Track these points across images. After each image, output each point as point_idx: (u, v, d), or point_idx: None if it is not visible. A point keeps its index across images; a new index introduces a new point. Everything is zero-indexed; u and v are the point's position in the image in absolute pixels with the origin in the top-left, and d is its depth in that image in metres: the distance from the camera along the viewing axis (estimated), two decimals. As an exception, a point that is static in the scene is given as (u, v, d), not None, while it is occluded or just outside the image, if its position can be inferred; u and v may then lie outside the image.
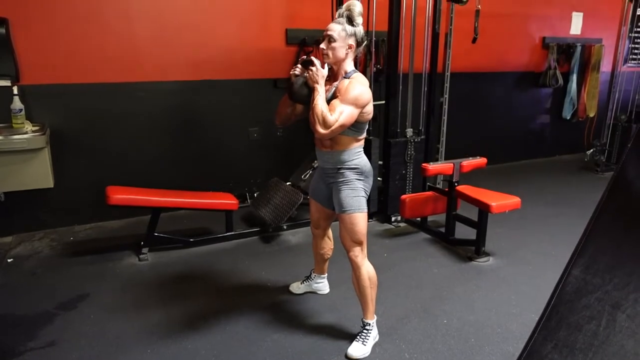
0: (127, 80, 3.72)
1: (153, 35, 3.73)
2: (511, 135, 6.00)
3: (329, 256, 2.69)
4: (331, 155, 2.21)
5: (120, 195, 3.09)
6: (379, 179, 3.93)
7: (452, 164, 3.46)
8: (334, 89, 2.12)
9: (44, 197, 3.54)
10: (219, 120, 4.15)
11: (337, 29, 2.06)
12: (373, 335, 2.30)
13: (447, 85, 4.30)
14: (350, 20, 2.08)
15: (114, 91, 3.69)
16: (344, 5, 2.10)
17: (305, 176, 4.03)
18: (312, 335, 2.41)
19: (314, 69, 2.04)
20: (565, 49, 5.93)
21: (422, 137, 3.97)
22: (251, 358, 2.23)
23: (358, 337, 2.28)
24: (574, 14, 5.98)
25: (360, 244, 2.19)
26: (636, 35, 5.85)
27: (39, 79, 3.43)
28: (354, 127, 2.12)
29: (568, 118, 6.18)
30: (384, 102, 3.94)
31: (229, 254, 3.35)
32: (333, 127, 1.99)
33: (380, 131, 4.02)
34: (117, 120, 3.76)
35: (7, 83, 3.30)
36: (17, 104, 3.22)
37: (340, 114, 2.00)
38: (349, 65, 2.14)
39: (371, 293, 2.25)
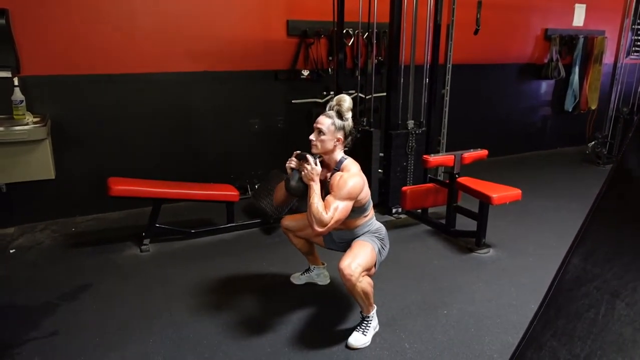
0: (128, 71, 3.71)
1: (154, 26, 3.72)
2: (513, 127, 5.99)
3: (310, 249, 2.68)
4: (343, 233, 2.33)
5: (121, 187, 3.10)
6: (379, 170, 3.94)
7: (453, 156, 3.45)
8: (327, 181, 2.20)
9: (46, 188, 3.54)
10: (220, 112, 4.15)
11: (326, 122, 2.18)
12: (373, 326, 2.32)
13: (448, 77, 4.28)
14: (340, 115, 2.19)
15: (114, 82, 3.69)
16: (335, 100, 2.22)
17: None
18: (313, 325, 2.43)
19: (308, 167, 2.14)
20: (568, 41, 5.89)
21: (423, 128, 3.96)
22: (251, 348, 2.24)
23: (358, 327, 2.30)
24: (577, 5, 5.94)
25: (360, 265, 2.09)
26: (639, 27, 5.81)
27: (39, 70, 3.42)
28: (356, 211, 2.20)
29: (570, 110, 6.16)
30: (385, 94, 3.93)
31: (230, 245, 3.37)
32: (329, 225, 2.06)
33: (382, 123, 4.01)
34: (118, 111, 3.75)
35: (7, 74, 3.29)
36: (17, 95, 3.21)
37: (335, 211, 2.07)
38: (338, 154, 2.24)
39: (368, 300, 2.23)
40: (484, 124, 5.63)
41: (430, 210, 3.83)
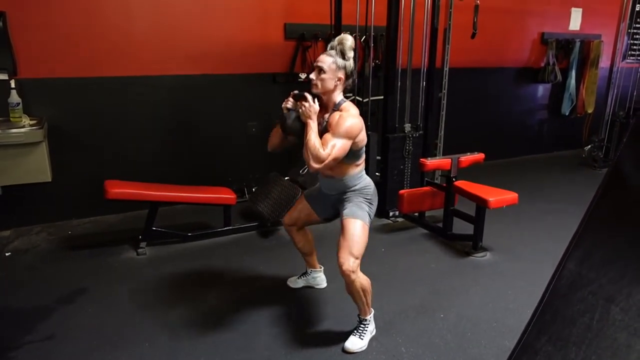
0: (125, 74, 3.71)
1: (151, 29, 3.72)
2: (509, 131, 6.00)
3: (310, 249, 2.69)
4: (333, 182, 2.27)
5: (118, 189, 3.09)
6: (377, 174, 3.94)
7: (450, 159, 3.46)
8: (325, 122, 2.16)
9: (42, 191, 3.53)
10: (218, 115, 4.15)
11: (327, 61, 2.12)
12: (370, 329, 2.32)
13: (445, 80, 4.29)
14: (342, 54, 2.13)
15: (111, 85, 3.68)
16: (337, 39, 2.16)
17: (303, 171, 4.03)
18: (310, 328, 2.42)
19: (306, 104, 2.09)
20: (564, 45, 5.92)
21: (421, 132, 3.97)
22: (248, 351, 2.24)
23: (355, 331, 2.29)
24: (573, 9, 5.97)
25: (356, 257, 2.13)
26: (635, 31, 5.85)
27: (36, 73, 3.41)
28: (350, 155, 2.16)
29: (567, 114, 6.18)
30: (382, 97, 3.93)
31: (227, 248, 3.36)
32: (326, 162, 2.03)
33: (379, 126, 4.02)
34: (115, 114, 3.75)
35: (4, 77, 3.28)
36: (14, 97, 3.21)
37: (332, 148, 2.04)
38: (338, 96, 2.18)
39: (366, 299, 2.23)
40: (481, 128, 5.64)
41: (428, 213, 3.84)
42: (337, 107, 2.16)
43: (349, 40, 2.13)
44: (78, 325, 2.41)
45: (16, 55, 3.30)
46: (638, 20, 5.71)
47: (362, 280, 2.16)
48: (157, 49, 3.77)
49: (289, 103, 2.18)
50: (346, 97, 2.25)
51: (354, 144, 2.11)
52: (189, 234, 3.41)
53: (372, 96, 4.06)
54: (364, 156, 2.27)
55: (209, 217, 3.73)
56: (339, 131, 2.05)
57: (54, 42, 3.42)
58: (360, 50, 4.32)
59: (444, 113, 4.36)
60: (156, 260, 3.15)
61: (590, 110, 6.24)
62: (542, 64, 5.87)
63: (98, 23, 3.53)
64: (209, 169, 4.19)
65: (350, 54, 2.14)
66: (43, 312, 2.52)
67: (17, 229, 3.57)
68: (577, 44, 5.92)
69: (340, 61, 2.12)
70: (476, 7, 4.05)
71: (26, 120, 3.24)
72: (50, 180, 3.33)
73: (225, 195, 3.44)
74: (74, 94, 3.58)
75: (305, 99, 2.09)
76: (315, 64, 2.15)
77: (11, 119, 3.22)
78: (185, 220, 3.76)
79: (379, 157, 3.95)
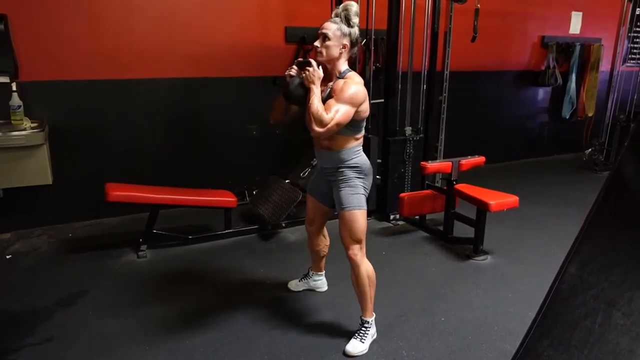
0: (125, 77, 3.71)
1: (152, 32, 3.72)
2: (510, 134, 6.01)
3: (325, 253, 2.69)
4: (330, 154, 2.22)
5: (118, 192, 3.09)
6: (377, 177, 3.94)
7: (450, 163, 3.46)
8: (329, 89, 2.13)
9: (43, 193, 3.53)
10: (218, 118, 4.15)
11: (332, 27, 2.08)
12: (371, 333, 2.31)
13: (446, 83, 4.30)
14: (347, 20, 2.09)
15: (112, 88, 3.69)
16: (341, 6, 2.11)
17: (304, 174, 4.03)
18: (310, 332, 2.42)
19: (310, 69, 2.06)
20: (565, 48, 5.93)
21: (421, 135, 3.97)
22: (249, 355, 2.23)
23: (356, 334, 2.29)
24: (573, 13, 5.98)
25: (359, 242, 2.19)
26: (635, 35, 5.85)
27: (37, 76, 3.42)
28: (351, 125, 2.12)
29: (567, 117, 6.18)
30: (382, 100, 3.94)
31: (228, 251, 3.36)
32: (329, 126, 2.00)
33: (379, 129, 4.02)
34: (116, 117, 3.75)
35: (5, 79, 3.28)
36: (15, 100, 3.21)
37: (336, 113, 2.01)
38: (342, 65, 2.15)
39: (370, 291, 2.25)
40: (481, 131, 5.64)
41: (428, 216, 3.83)
42: (342, 76, 2.13)
43: (354, 6, 2.09)
44: (78, 328, 2.41)
45: (17, 58, 3.30)
46: (638, 24, 5.71)
47: (367, 266, 2.21)
48: (158, 51, 3.77)
49: (293, 70, 2.15)
50: None
51: (356, 113, 2.08)
52: (190, 237, 3.40)
53: (372, 99, 4.06)
54: (363, 130, 2.23)
55: (209, 220, 3.72)
56: (343, 96, 2.03)
57: (55, 45, 3.43)
58: (361, 54, 4.33)
59: (444, 116, 4.37)
60: (157, 263, 3.14)
61: (590, 114, 6.24)
62: (543, 67, 5.87)
63: (99, 26, 3.54)
64: (210, 171, 4.19)
65: (356, 20, 2.10)
66: (43, 314, 2.51)
67: (18, 231, 3.57)
68: (578, 48, 5.93)
69: (345, 28, 2.08)
70: (477, 10, 4.06)
71: (27, 123, 3.24)
72: (51, 182, 3.33)
73: (226, 198, 3.44)
74: (74, 97, 3.58)
75: (310, 65, 2.07)
76: (319, 32, 2.11)
77: (12, 121, 3.23)
78: (186, 222, 3.76)
79: (379, 160, 3.95)
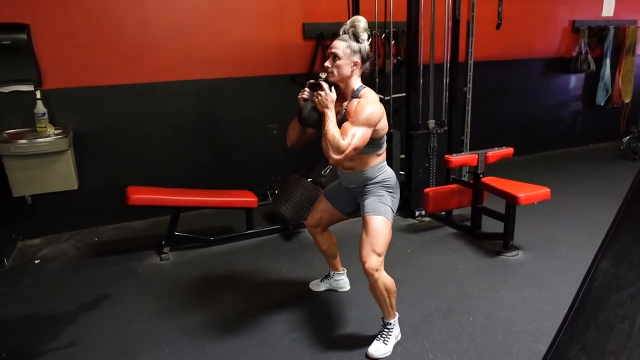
0: (145, 81, 3.74)
1: (170, 35, 3.74)
2: (540, 124, 5.77)
3: (334, 252, 2.63)
4: (354, 175, 2.18)
5: (139, 195, 3.11)
6: (401, 172, 3.84)
7: (476, 155, 3.33)
8: (344, 110, 2.08)
9: (69, 198, 3.59)
10: (238, 118, 4.13)
11: (341, 46, 2.03)
12: (395, 334, 2.23)
13: (470, 74, 4.15)
14: (356, 37, 2.03)
15: (133, 92, 3.72)
16: (349, 22, 2.06)
17: (325, 172, 3.97)
18: (332, 334, 2.35)
19: (322, 93, 2.01)
20: (597, 32, 5.64)
21: (445, 128, 3.85)
22: (270, 357, 2.19)
23: (379, 335, 2.21)
24: (606, -6, 5.70)
25: (379, 255, 2.06)
26: (674, 14, 5.52)
27: (60, 83, 3.48)
28: (371, 144, 2.06)
29: (602, 104, 5.89)
30: (404, 94, 3.83)
31: (250, 252, 3.33)
32: (346, 152, 1.94)
33: (402, 124, 3.92)
34: (137, 120, 3.79)
35: (30, 88, 3.36)
36: (40, 108, 3.28)
37: (352, 137, 1.95)
38: (356, 82, 2.10)
39: (390, 301, 2.15)
40: (509, 122, 5.44)
41: (455, 212, 3.71)
42: (355, 94, 2.07)
43: (361, 21, 2.03)
44: (101, 332, 2.42)
45: (41, 67, 3.37)
46: (677, 2, 5.39)
47: (385, 280, 2.09)
48: (176, 54, 3.78)
49: (305, 93, 2.12)
50: None
51: (374, 132, 2.02)
52: (212, 238, 3.39)
53: (394, 94, 3.97)
54: (385, 145, 2.17)
55: (231, 221, 3.71)
56: (358, 119, 1.96)
57: (75, 53, 3.48)
58: (381, 47, 4.23)
59: (469, 108, 4.21)
60: (179, 265, 3.15)
61: (627, 100, 5.93)
62: (574, 53, 5.61)
63: (117, 31, 3.57)
64: (231, 172, 4.18)
65: (364, 35, 2.04)
66: (67, 318, 2.54)
67: (47, 237, 3.65)
68: (611, 31, 5.63)
69: (354, 45, 2.02)
70: (501, -5, 3.90)
71: (51, 130, 3.31)
72: (76, 187, 3.39)
73: (247, 199, 3.41)
74: (97, 103, 3.63)
75: (322, 88, 2.01)
76: (328, 51, 2.06)
77: (37, 129, 3.30)
78: (207, 224, 3.76)
79: (402, 156, 3.85)
